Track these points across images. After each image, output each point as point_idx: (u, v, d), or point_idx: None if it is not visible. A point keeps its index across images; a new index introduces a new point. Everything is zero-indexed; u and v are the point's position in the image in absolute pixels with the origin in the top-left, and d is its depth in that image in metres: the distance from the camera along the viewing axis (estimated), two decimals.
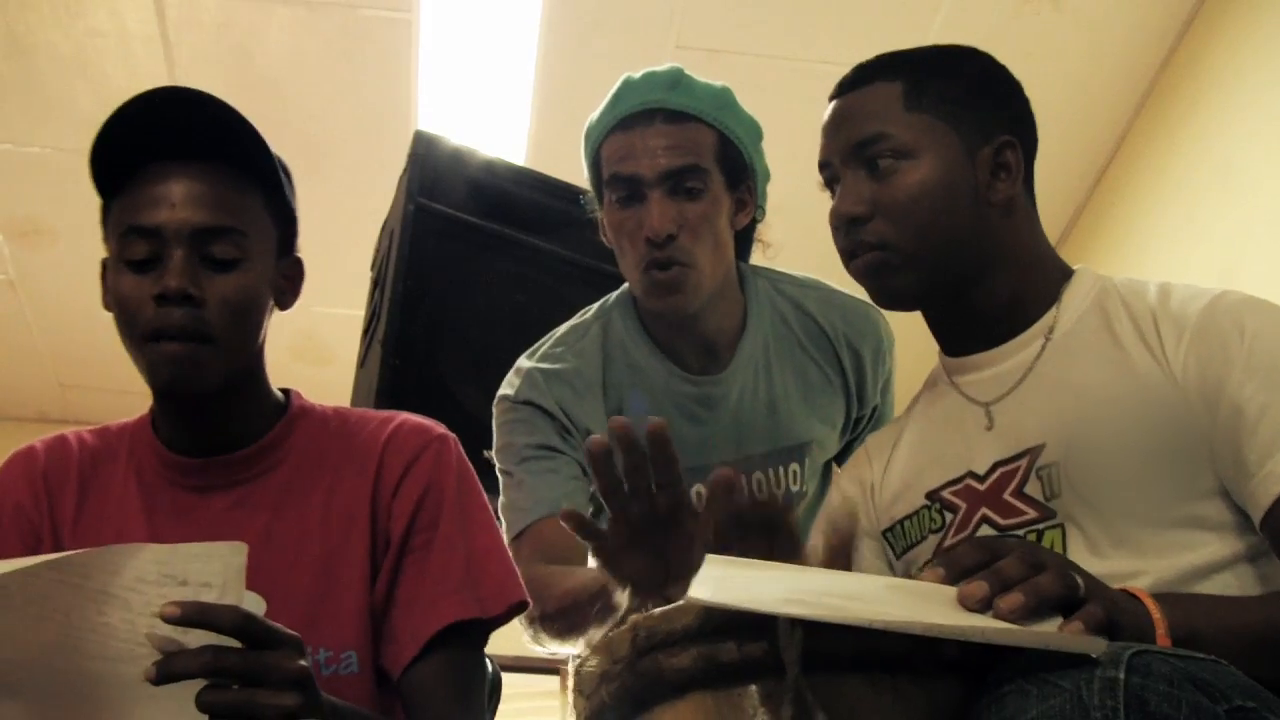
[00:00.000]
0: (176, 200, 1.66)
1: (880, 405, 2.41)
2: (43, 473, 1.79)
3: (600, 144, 2.23)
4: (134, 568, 1.27)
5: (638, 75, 2.23)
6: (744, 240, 2.36)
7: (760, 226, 2.37)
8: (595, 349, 2.31)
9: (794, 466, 2.32)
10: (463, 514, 1.78)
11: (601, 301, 2.40)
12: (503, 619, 1.77)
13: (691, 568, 1.50)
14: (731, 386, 2.29)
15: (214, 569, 1.30)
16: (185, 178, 1.68)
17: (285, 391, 1.86)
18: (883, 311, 2.22)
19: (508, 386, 2.31)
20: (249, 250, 1.70)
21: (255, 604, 1.38)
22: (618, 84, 2.24)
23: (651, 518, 1.68)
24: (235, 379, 1.73)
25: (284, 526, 1.75)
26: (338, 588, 1.73)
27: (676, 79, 2.22)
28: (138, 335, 1.67)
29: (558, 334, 2.36)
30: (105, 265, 1.76)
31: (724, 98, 2.25)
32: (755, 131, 2.28)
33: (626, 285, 2.36)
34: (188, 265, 1.65)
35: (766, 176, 2.33)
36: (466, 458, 1.86)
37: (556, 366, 2.28)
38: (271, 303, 1.78)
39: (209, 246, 1.67)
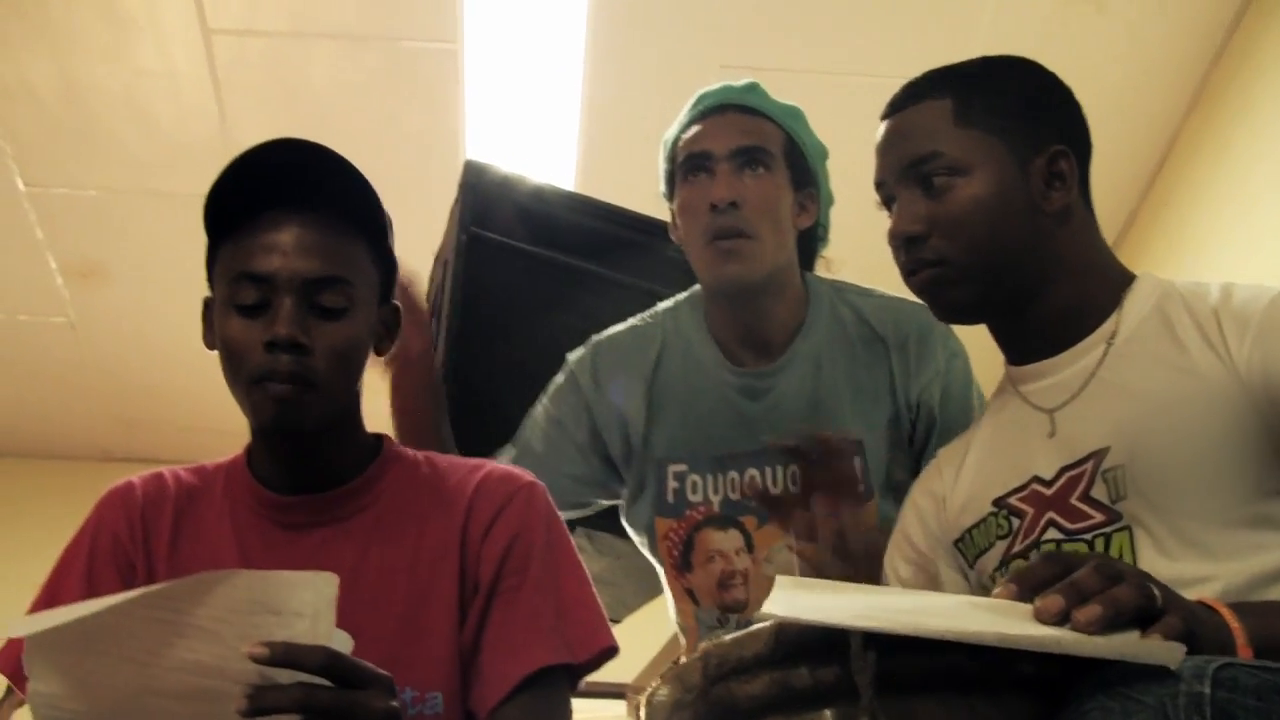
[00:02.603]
0: (288, 249, 1.70)
1: (938, 410, 2.38)
2: (140, 507, 1.82)
3: (676, 140, 2.36)
4: (225, 596, 1.29)
5: (715, 86, 2.38)
6: (811, 254, 2.45)
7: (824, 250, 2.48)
8: (657, 333, 2.44)
9: (842, 465, 2.32)
10: (551, 560, 1.80)
11: (679, 295, 2.50)
12: (591, 665, 1.78)
13: None
14: (777, 381, 2.34)
15: (305, 598, 1.31)
16: (297, 226, 1.72)
17: (378, 436, 1.89)
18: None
19: (576, 350, 2.50)
20: (355, 299, 1.75)
21: (343, 642, 1.39)
22: (694, 97, 2.39)
23: None
24: (334, 421, 1.77)
25: (373, 566, 1.77)
26: (424, 629, 1.74)
27: (752, 87, 2.37)
28: (244, 377, 1.71)
29: (649, 310, 2.51)
30: (208, 304, 1.80)
31: (795, 111, 2.39)
32: (821, 151, 2.41)
33: (699, 285, 2.46)
34: (297, 313, 1.69)
35: (830, 200, 2.43)
36: (554, 506, 1.89)
37: (618, 337, 2.47)
38: (370, 348, 1.83)
39: (318, 295, 1.71)
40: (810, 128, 2.39)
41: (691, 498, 2.37)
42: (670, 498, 2.39)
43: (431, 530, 1.80)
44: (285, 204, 1.73)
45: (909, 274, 1.81)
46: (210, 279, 1.80)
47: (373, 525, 1.80)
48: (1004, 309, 1.81)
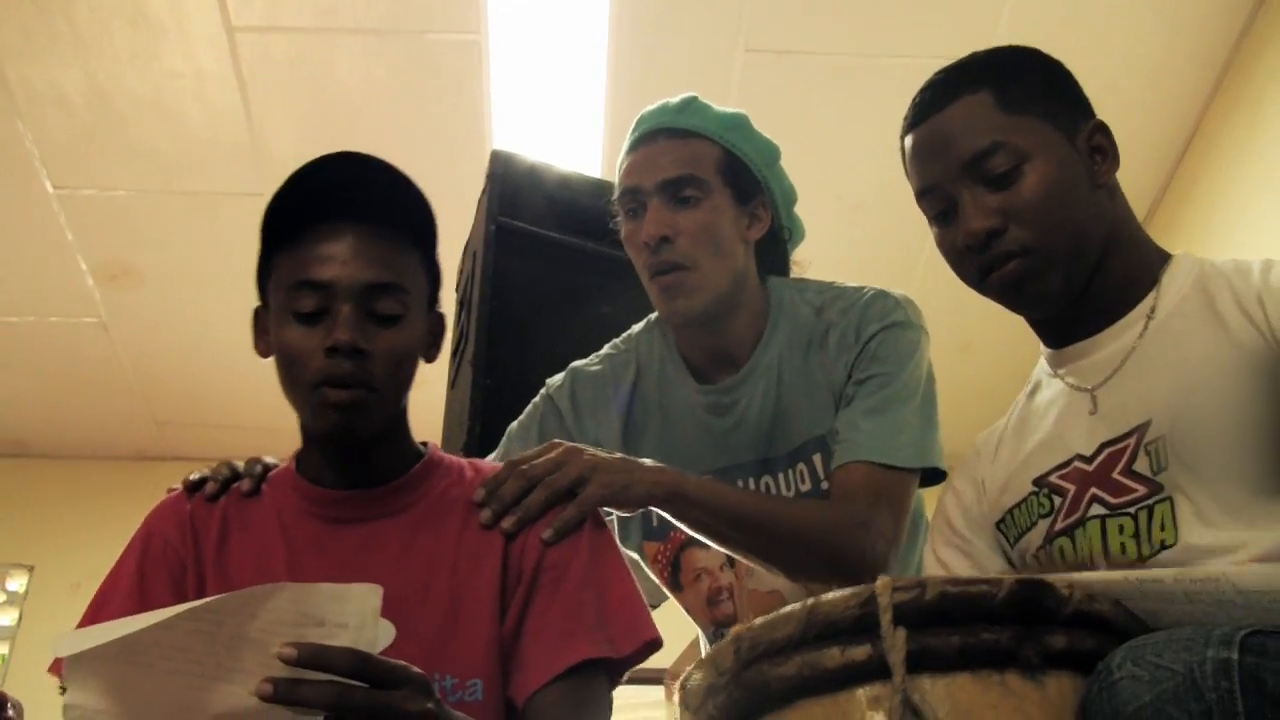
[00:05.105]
0: (347, 258, 1.75)
1: (865, 369, 2.27)
2: (189, 509, 1.87)
3: (619, 172, 2.33)
4: (271, 609, 1.30)
5: (653, 107, 2.33)
6: (778, 257, 2.40)
7: (802, 248, 2.44)
8: (631, 360, 2.41)
9: (801, 467, 2.30)
10: (596, 554, 1.83)
11: (650, 316, 2.47)
12: (634, 659, 1.79)
13: None
14: (740, 395, 2.31)
15: (350, 610, 1.32)
16: (354, 237, 1.76)
17: (424, 443, 1.93)
18: (900, 298, 2.27)
19: (555, 377, 2.45)
20: (409, 305, 1.79)
21: (384, 631, 1.39)
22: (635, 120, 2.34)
23: None
24: (388, 426, 1.81)
25: (417, 556, 1.79)
26: (466, 619, 1.76)
27: (687, 103, 2.31)
28: (305, 383, 1.75)
29: (622, 336, 2.47)
30: (259, 313, 1.85)
31: (734, 120, 2.32)
32: (769, 153, 2.34)
33: None
34: (356, 319, 1.73)
35: (791, 198, 2.39)
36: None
37: (594, 369, 2.42)
38: (420, 356, 1.87)
39: (374, 302, 1.75)
40: (754, 133, 2.34)
41: None
42: (655, 520, 2.38)
43: (475, 524, 1.83)
44: (342, 216, 1.77)
45: (987, 272, 1.79)
46: (262, 289, 1.84)
47: (418, 520, 1.83)
48: (1078, 291, 1.79)
